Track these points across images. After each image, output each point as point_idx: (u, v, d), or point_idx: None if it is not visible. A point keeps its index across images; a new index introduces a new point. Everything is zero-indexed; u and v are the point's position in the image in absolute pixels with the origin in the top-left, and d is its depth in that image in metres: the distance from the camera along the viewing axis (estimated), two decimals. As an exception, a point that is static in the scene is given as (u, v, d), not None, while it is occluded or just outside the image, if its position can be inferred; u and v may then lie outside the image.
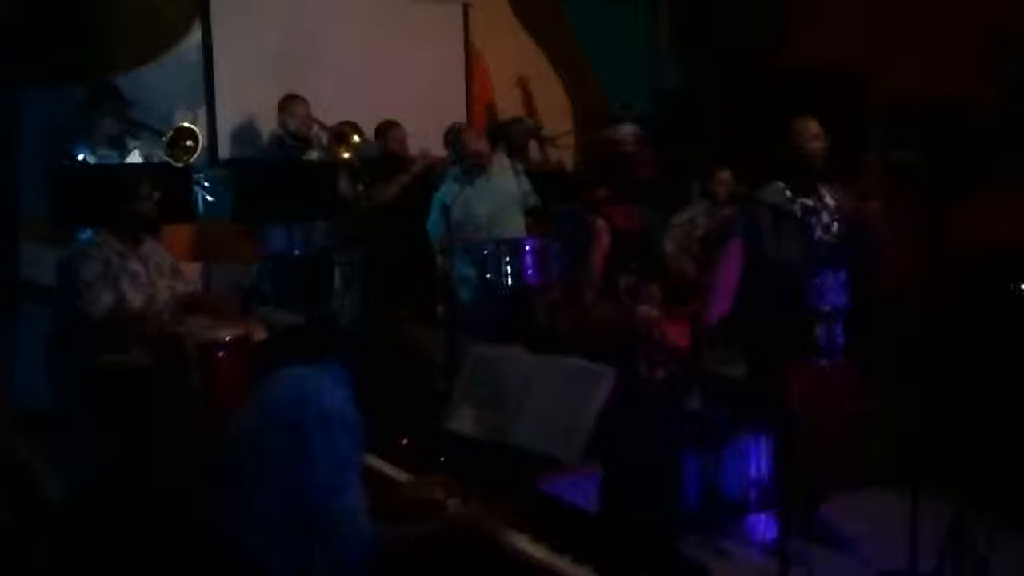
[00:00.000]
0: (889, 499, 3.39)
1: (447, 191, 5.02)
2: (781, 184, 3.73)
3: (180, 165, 5.03)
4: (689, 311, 3.33)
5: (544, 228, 5.20)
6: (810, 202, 3.72)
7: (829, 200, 3.77)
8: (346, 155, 5.54)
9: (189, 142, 5.14)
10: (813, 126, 3.72)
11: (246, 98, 5.91)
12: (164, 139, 5.12)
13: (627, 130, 3.52)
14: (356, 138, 5.60)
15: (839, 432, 3.78)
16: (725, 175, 5.33)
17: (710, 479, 4.01)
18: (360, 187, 5.50)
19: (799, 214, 3.66)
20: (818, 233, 3.71)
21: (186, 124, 5.28)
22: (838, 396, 3.80)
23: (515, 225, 5.21)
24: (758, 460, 4.09)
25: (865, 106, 5.87)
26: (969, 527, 3.10)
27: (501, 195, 5.21)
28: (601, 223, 3.25)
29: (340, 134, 5.59)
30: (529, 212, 5.36)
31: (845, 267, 3.74)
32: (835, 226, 3.74)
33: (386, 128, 5.65)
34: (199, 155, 5.22)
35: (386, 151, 5.65)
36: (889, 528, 3.32)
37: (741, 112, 5.89)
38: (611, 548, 2.15)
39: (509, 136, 5.90)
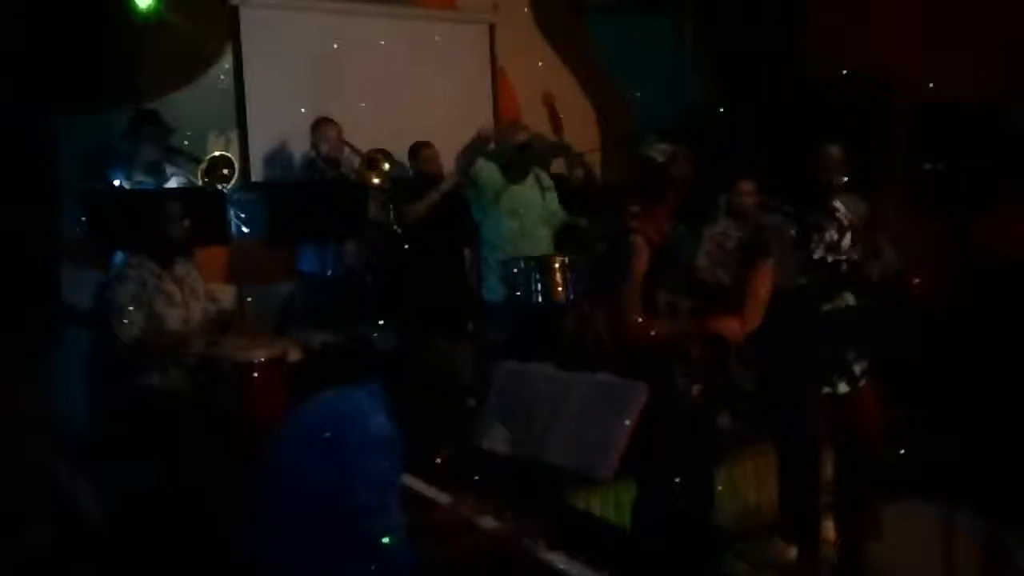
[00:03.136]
0: (916, 514, 3.36)
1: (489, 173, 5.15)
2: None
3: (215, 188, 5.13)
4: (724, 325, 3.29)
5: (576, 245, 5.21)
6: (821, 217, 3.70)
7: (844, 213, 3.74)
8: (376, 181, 5.60)
9: (225, 170, 5.25)
10: (836, 154, 3.70)
11: (277, 121, 5.98)
12: (200, 167, 5.23)
13: (664, 146, 3.52)
14: (387, 165, 5.66)
15: (864, 448, 3.73)
16: (748, 186, 5.32)
17: (738, 496, 4.01)
18: (391, 210, 5.54)
19: (810, 227, 3.64)
20: (831, 237, 3.68)
21: (222, 152, 5.38)
22: (860, 414, 3.75)
23: (542, 242, 5.24)
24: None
25: (891, 116, 5.83)
26: (1006, 543, 3.07)
27: (529, 210, 5.25)
28: (640, 240, 3.25)
29: (372, 160, 5.65)
30: (559, 231, 5.39)
31: (860, 280, 3.72)
32: (847, 239, 3.71)
33: (418, 149, 5.71)
34: (234, 181, 5.32)
35: (419, 171, 5.69)
36: (917, 543, 3.30)
37: (767, 123, 5.88)
38: (648, 565, 2.16)
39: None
